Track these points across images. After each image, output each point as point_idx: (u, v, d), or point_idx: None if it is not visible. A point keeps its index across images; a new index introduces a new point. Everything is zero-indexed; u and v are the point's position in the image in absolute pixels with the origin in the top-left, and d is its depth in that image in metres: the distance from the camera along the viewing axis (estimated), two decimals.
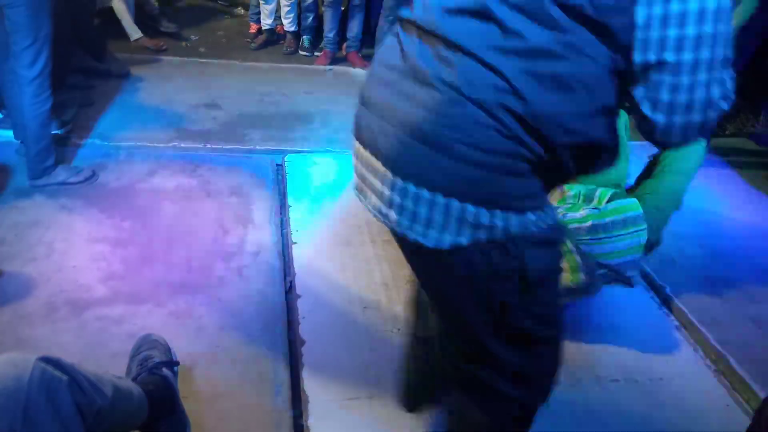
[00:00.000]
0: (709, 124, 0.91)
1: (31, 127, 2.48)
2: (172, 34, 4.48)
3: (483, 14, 0.90)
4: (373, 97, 1.03)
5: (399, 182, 0.96)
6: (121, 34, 4.18)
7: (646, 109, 0.92)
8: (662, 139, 0.94)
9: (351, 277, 2.26)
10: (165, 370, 1.60)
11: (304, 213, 2.58)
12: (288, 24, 4.56)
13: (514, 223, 0.95)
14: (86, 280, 2.11)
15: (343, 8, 4.48)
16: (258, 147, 3.14)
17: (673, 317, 2.23)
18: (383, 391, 1.78)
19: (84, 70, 3.58)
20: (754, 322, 2.23)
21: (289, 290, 2.18)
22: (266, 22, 4.60)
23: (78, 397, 1.09)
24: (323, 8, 4.42)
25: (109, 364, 1.73)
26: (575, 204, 2.00)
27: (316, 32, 4.63)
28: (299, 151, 3.10)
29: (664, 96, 0.89)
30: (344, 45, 4.59)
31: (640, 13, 0.86)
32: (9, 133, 2.77)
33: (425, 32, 0.96)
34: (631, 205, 1.88)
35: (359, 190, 1.10)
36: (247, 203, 2.65)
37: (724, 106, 0.90)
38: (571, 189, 2.03)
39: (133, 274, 2.17)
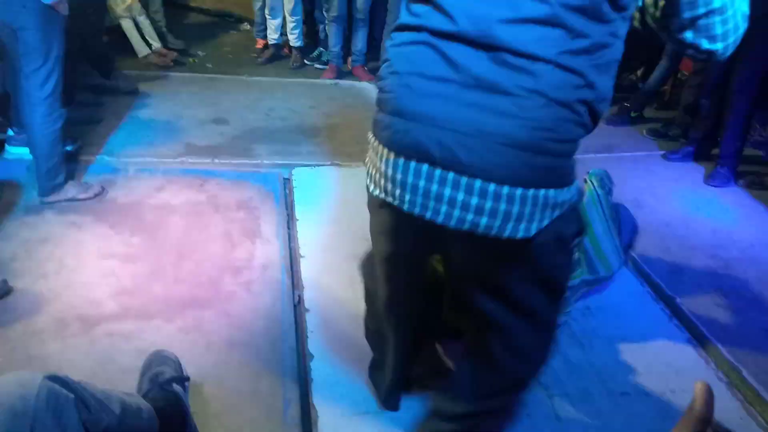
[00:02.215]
0: (745, 28, 1.11)
1: (42, 145, 2.50)
2: (179, 51, 4.53)
3: (550, 22, 0.96)
4: (431, 111, 1.02)
5: (491, 186, 1.00)
6: (129, 51, 4.23)
7: (704, 44, 1.11)
8: (722, 58, 1.14)
9: (359, 291, 2.25)
10: (176, 386, 1.60)
11: (312, 227, 2.59)
12: (294, 39, 4.60)
13: (574, 192, 1.09)
14: (96, 296, 2.12)
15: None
16: (265, 161, 3.15)
17: (684, 329, 2.21)
18: None
19: (93, 87, 3.63)
20: (767, 333, 2.21)
21: (298, 305, 2.18)
22: (272, 36, 4.64)
23: (85, 416, 1.10)
24: (327, 23, 4.46)
25: (119, 379, 1.73)
26: None
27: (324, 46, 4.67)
28: (306, 165, 3.11)
29: (718, 29, 1.08)
30: (349, 59, 4.62)
31: None
32: (24, 150, 2.81)
33: (478, 44, 0.99)
34: None
35: (414, 206, 1.09)
36: (254, 217, 2.66)
37: (747, 9, 1.10)
38: None
39: (143, 289, 2.18)
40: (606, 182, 2.16)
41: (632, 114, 4.07)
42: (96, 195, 2.67)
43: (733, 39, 1.12)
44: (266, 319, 2.09)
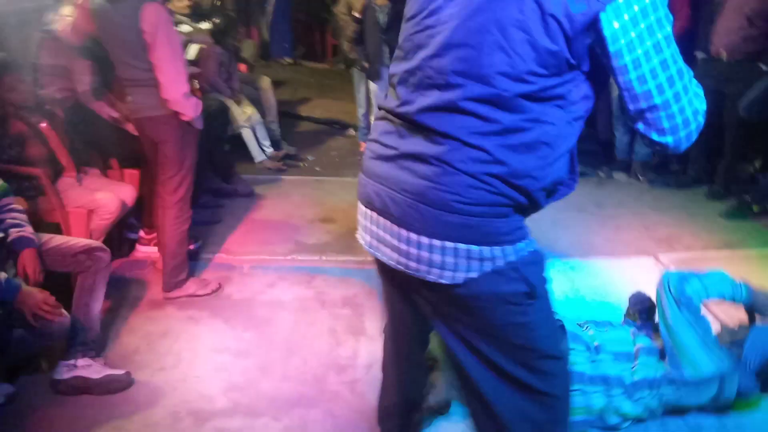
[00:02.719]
0: (701, 123, 1.16)
1: (170, 245, 2.72)
2: (291, 156, 4.85)
3: (458, 109, 1.14)
4: (379, 171, 1.27)
5: (413, 236, 1.19)
6: (247, 157, 4.58)
7: (654, 137, 1.15)
8: (675, 152, 1.19)
9: None
10: None
11: None
12: None
13: (510, 252, 1.18)
14: (208, 391, 2.19)
15: None
16: (369, 258, 3.20)
17: None
18: None
19: (214, 190, 3.94)
20: None
21: None
22: None
23: None
24: None
25: None
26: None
27: None
28: None
29: (665, 124, 1.13)
30: None
31: (619, 81, 1.12)
32: (151, 250, 3.06)
33: (413, 124, 1.21)
34: None
35: (372, 247, 1.33)
36: (359, 314, 2.69)
37: (704, 106, 1.16)
38: None
39: (252, 385, 2.22)
40: (682, 286, 2.01)
41: (754, 208, 3.81)
42: (213, 291, 2.83)
43: (685, 134, 1.14)
44: (371, 420, 2.04)
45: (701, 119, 1.16)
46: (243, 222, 3.63)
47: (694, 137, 1.17)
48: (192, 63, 4.20)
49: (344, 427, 2.02)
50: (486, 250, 1.17)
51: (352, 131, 5.58)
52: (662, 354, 2.05)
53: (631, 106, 1.14)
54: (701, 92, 1.17)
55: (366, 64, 4.55)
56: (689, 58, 4.06)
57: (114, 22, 2.49)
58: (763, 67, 3.67)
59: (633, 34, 1.06)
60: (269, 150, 4.71)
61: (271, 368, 2.32)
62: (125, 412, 2.08)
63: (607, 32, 1.06)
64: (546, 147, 1.15)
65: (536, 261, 1.24)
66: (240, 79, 4.66)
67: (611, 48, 1.08)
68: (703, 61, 4.00)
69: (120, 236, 3.13)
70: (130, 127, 3.05)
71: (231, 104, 4.42)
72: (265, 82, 4.98)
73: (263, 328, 2.58)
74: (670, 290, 2.02)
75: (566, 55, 1.08)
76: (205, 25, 4.21)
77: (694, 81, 1.16)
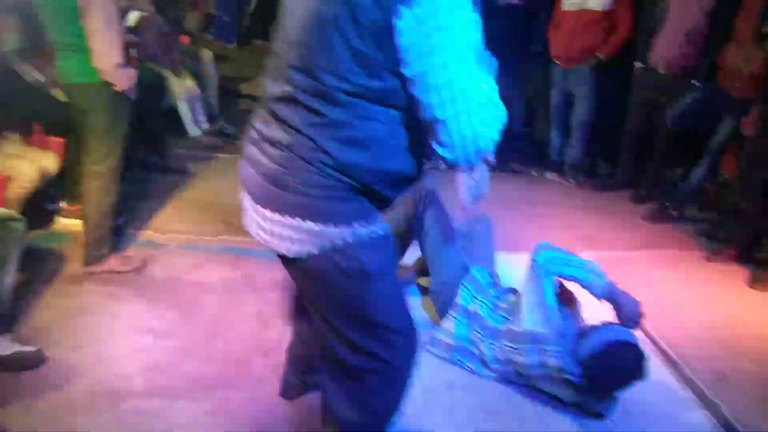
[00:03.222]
0: (485, 149, 1.23)
1: (93, 217, 2.61)
2: (229, 134, 4.74)
3: (294, 101, 1.25)
4: (248, 154, 1.39)
5: (268, 213, 1.32)
6: (183, 131, 4.44)
7: (437, 148, 1.24)
8: (452, 165, 1.27)
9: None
10: None
11: None
12: None
13: (347, 233, 1.29)
14: (126, 371, 2.13)
15: None
16: None
17: None
18: None
19: (145, 164, 3.80)
20: None
21: None
22: None
23: None
24: None
25: None
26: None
27: None
28: None
29: (445, 138, 1.20)
30: None
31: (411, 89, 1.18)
32: (73, 222, 2.92)
33: (271, 112, 1.33)
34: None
35: (247, 223, 1.42)
36: (287, 298, 2.66)
37: (492, 133, 1.22)
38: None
39: (172, 367, 2.17)
40: (545, 255, 2.20)
41: (673, 212, 4.02)
42: (136, 269, 2.74)
43: (462, 154, 1.22)
44: (294, 404, 2.05)
45: (483, 144, 1.22)
46: (173, 199, 3.53)
47: (474, 159, 1.24)
48: (131, 31, 4.01)
49: (267, 411, 2.01)
50: (324, 228, 1.29)
51: None
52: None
53: (420, 115, 1.21)
54: (498, 116, 1.23)
55: None
56: (629, 67, 4.25)
57: None
58: (695, 83, 3.86)
59: (421, 48, 1.12)
60: (205, 125, 4.59)
61: (193, 350, 2.27)
62: (36, 391, 1.99)
63: (401, 41, 1.12)
64: (375, 144, 1.25)
65: (376, 245, 1.34)
66: (181, 51, 4.50)
67: (403, 56, 1.14)
68: (641, 70, 4.17)
69: (40, 207, 2.98)
70: (58, 93, 2.90)
71: (169, 76, 4.26)
72: (207, 55, 4.82)
73: (187, 309, 2.52)
74: (534, 255, 2.20)
75: (378, 57, 1.15)
76: None
77: (492, 105, 1.21)
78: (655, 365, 2.43)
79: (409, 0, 1.08)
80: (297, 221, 1.29)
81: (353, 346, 1.42)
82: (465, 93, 1.16)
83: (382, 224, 1.36)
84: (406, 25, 1.10)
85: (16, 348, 2.07)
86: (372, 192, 1.31)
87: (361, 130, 1.23)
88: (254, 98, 5.85)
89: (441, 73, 1.14)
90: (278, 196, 1.30)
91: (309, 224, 1.28)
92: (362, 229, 1.31)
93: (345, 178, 1.26)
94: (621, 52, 4.26)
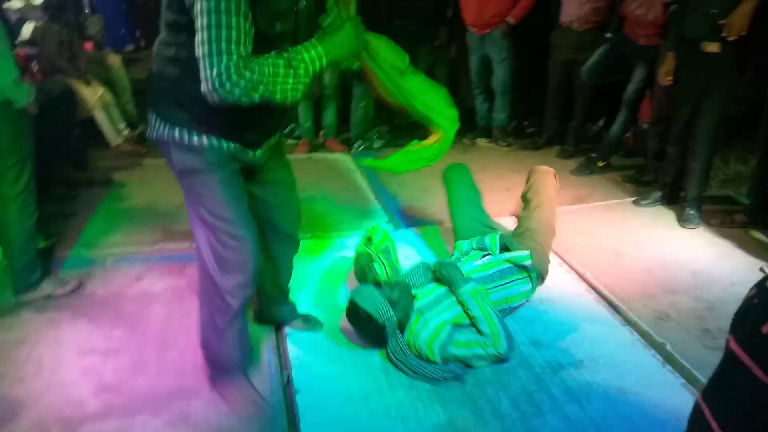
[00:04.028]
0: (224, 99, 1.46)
1: (16, 242, 2.48)
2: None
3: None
4: None
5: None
6: (102, 141, 4.26)
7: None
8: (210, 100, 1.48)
9: (348, 364, 2.22)
10: None
11: (296, 303, 2.56)
12: None
13: (167, 131, 1.65)
14: (78, 396, 2.05)
15: (316, 98, 4.63)
16: None
17: (677, 374, 2.20)
18: None
19: (66, 180, 3.62)
20: None
21: (287, 385, 2.13)
22: None
23: None
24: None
25: None
26: (471, 254, 2.56)
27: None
28: None
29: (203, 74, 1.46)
30: (321, 133, 4.72)
31: None
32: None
33: None
34: (525, 256, 2.44)
35: None
36: None
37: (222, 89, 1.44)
38: (462, 244, 2.65)
39: (126, 384, 2.11)
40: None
41: (599, 163, 4.18)
42: (73, 290, 2.63)
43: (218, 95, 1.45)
44: (258, 405, 2.03)
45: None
46: (102, 212, 3.39)
47: (227, 99, 1.45)
48: (28, 43, 3.80)
49: (230, 414, 1.99)
50: (153, 118, 1.69)
51: None
52: None
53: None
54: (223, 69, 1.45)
55: None
56: (546, 29, 4.35)
57: None
58: (607, 35, 4.00)
59: None
60: (125, 132, 4.42)
61: (145, 364, 2.21)
62: None
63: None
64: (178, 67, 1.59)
65: (187, 150, 1.65)
66: (87, 59, 4.29)
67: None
68: (556, 30, 4.28)
69: None
70: None
71: (79, 85, 4.07)
72: (115, 60, 4.63)
73: (133, 323, 2.44)
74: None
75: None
76: (38, 0, 3.81)
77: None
78: (599, 312, 2.56)
79: None
80: (152, 112, 1.73)
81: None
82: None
83: (200, 137, 1.65)
84: None
85: None
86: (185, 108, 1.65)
87: (171, 52, 1.60)
88: None
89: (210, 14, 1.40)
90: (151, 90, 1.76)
91: (156, 119, 1.71)
92: (178, 132, 1.64)
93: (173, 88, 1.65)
94: (533, 14, 4.37)
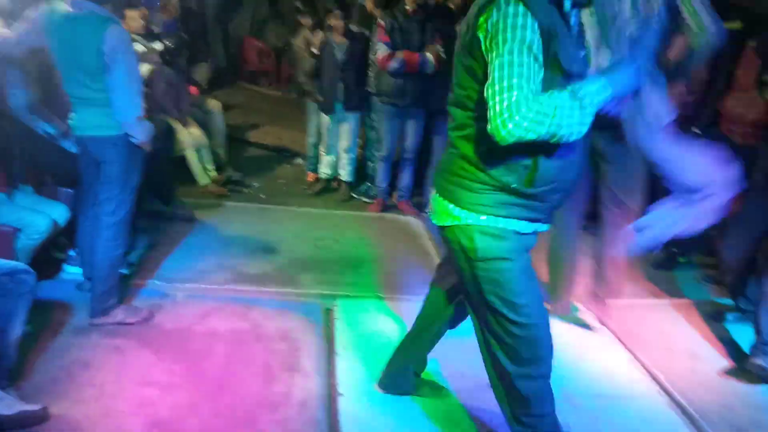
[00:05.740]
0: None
1: (101, 268, 2.61)
2: (236, 181, 4.78)
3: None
4: None
5: None
6: (190, 180, 4.48)
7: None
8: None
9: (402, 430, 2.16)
10: None
11: (353, 361, 2.54)
12: (345, 174, 4.82)
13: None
14: (131, 427, 2.09)
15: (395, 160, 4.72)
16: (310, 291, 3.18)
17: None
18: None
19: (151, 213, 3.81)
20: None
21: None
22: (325, 171, 4.88)
23: None
24: (377, 161, 4.67)
25: None
26: None
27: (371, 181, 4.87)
28: (351, 296, 3.12)
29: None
30: (395, 194, 4.78)
31: None
32: (77, 270, 2.92)
33: None
34: None
35: None
36: (295, 349, 2.63)
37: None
38: None
39: (179, 422, 2.13)
40: None
41: (680, 259, 4.01)
42: (144, 319, 2.72)
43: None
44: None
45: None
46: (180, 247, 3.53)
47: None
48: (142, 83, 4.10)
49: None
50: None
51: (300, 160, 5.57)
52: None
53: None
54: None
55: (321, 98, 4.59)
56: None
57: (72, 40, 2.41)
58: (696, 131, 3.89)
59: None
60: (213, 174, 4.64)
61: (200, 404, 2.23)
62: None
63: None
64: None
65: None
66: (190, 102, 4.59)
67: None
68: None
69: (47, 255, 2.98)
70: (67, 144, 2.94)
71: (177, 126, 4.33)
72: (215, 105, 4.92)
73: (194, 361, 2.49)
74: None
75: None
76: (158, 45, 4.14)
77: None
78: (671, 420, 2.39)
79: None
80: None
81: None
82: None
83: None
84: None
85: (21, 407, 2.02)
86: None
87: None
88: (262, 146, 5.93)
89: None
90: None
91: None
92: None
93: None
94: None
